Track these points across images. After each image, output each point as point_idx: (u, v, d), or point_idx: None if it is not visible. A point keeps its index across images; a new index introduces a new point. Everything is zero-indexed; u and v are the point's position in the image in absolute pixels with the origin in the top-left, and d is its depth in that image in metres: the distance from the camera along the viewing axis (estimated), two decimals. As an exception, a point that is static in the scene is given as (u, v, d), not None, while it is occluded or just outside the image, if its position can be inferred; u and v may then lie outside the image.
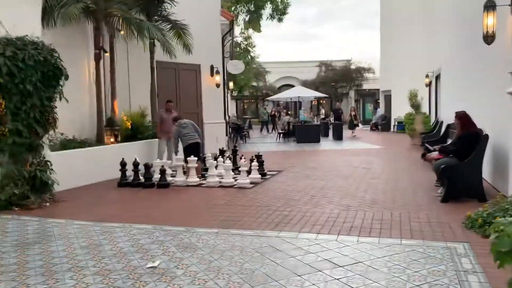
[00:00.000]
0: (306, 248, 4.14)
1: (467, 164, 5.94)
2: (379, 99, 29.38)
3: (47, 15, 8.55)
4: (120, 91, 10.46)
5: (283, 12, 31.88)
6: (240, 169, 8.02)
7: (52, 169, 6.94)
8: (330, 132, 20.77)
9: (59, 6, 8.50)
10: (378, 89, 29.28)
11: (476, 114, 6.53)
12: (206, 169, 8.72)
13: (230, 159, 8.86)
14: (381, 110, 27.42)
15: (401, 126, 21.12)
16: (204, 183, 8.03)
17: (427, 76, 18.12)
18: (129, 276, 3.54)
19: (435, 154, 6.88)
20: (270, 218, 5.39)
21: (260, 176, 8.35)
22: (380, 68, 27.88)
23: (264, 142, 19.07)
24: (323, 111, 28.48)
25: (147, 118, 11.05)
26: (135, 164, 8.03)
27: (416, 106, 16.64)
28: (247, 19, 31.23)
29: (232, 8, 28.10)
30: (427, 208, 5.73)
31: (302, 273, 3.50)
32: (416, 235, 4.51)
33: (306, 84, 31.08)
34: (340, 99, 32.77)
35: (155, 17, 11.35)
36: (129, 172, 8.16)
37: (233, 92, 28.57)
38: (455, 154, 6.16)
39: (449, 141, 9.03)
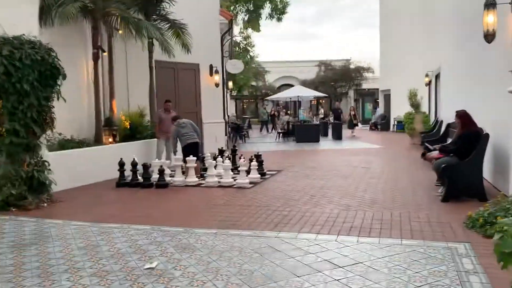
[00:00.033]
0: (306, 248, 4.10)
1: (467, 163, 5.90)
2: (378, 99, 29.35)
3: (45, 15, 8.50)
4: (119, 90, 10.42)
5: (282, 12, 31.85)
6: (239, 169, 7.97)
7: (49, 169, 6.89)
8: (330, 132, 20.73)
9: (56, 5, 8.45)
10: (378, 89, 29.25)
11: (476, 113, 6.49)
12: (205, 169, 8.68)
13: (229, 159, 8.81)
14: (380, 110, 27.38)
15: (400, 126, 21.09)
16: (203, 183, 7.98)
17: (426, 75, 18.09)
18: (127, 278, 3.50)
19: (435, 153, 6.85)
20: (269, 218, 5.34)
21: (259, 176, 8.31)
22: (380, 67, 27.85)
23: (263, 142, 19.03)
24: (322, 110, 28.43)
25: (146, 118, 11.00)
26: (134, 164, 7.98)
27: (415, 105, 16.61)
28: (246, 18, 31.20)
29: (231, 8, 28.05)
30: (427, 207, 5.69)
31: (301, 274, 3.46)
32: (417, 235, 4.47)
33: (305, 83, 31.05)
34: (340, 98, 32.76)
35: (154, 16, 11.29)
36: (128, 172, 8.12)
37: (233, 91, 28.52)
38: (456, 153, 6.13)
39: (449, 140, 8.99)
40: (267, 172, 8.94)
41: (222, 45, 15.77)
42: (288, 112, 27.76)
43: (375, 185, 7.54)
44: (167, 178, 8.07)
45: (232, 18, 17.95)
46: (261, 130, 26.65)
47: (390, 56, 24.81)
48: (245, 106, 40.37)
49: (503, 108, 6.03)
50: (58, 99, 6.95)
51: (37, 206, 6.36)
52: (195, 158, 8.21)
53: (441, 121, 13.38)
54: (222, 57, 15.67)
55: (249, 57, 30.46)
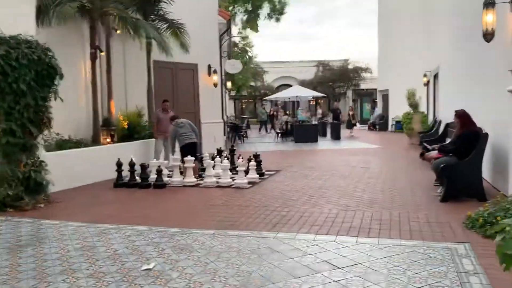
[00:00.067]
0: (304, 249, 4.07)
1: (467, 163, 5.88)
2: (376, 99, 29.35)
3: (42, 14, 8.44)
4: (117, 90, 10.37)
5: (281, 12, 31.85)
6: (237, 169, 7.93)
7: (47, 170, 6.85)
8: (328, 132, 20.71)
9: (54, 5, 8.40)
10: (376, 89, 29.24)
11: (475, 113, 6.47)
12: (204, 169, 8.63)
13: (227, 159, 8.77)
14: (378, 110, 27.38)
15: (398, 126, 21.07)
16: (201, 183, 7.95)
17: (425, 75, 18.08)
18: (123, 279, 3.46)
19: (434, 153, 6.82)
20: (268, 219, 5.31)
21: (258, 176, 8.28)
22: (378, 67, 27.83)
23: (262, 142, 18.99)
24: (320, 110, 28.40)
25: (144, 118, 10.95)
26: (131, 165, 7.94)
27: (414, 105, 16.59)
28: (244, 18, 31.17)
29: (230, 8, 28.01)
30: (427, 207, 5.67)
31: (300, 275, 3.43)
32: (416, 235, 4.44)
33: (304, 84, 31.03)
34: (338, 99, 32.76)
35: (152, 16, 11.25)
36: (126, 173, 8.08)
37: (231, 92, 28.48)
38: (455, 153, 6.10)
39: (448, 140, 8.97)
40: (266, 172, 8.91)
41: (220, 45, 15.73)
42: (287, 112, 27.74)
43: (374, 185, 7.51)
44: (165, 178, 8.04)
45: (230, 18, 17.91)
46: (260, 130, 26.64)
47: (388, 56, 24.80)
48: (243, 106, 40.34)
49: (502, 108, 6.00)
50: (55, 99, 6.91)
51: (34, 207, 6.31)
52: (193, 158, 8.17)
53: (440, 121, 13.37)
54: (221, 57, 15.64)
55: (247, 57, 30.41)
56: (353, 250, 4.02)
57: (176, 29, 11.26)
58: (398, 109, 20.97)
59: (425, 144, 10.20)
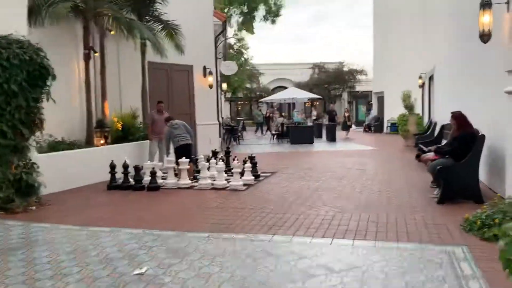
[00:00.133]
0: (300, 252, 4.00)
1: (463, 165, 5.83)
2: (371, 101, 29.39)
3: (35, 14, 8.34)
4: (111, 91, 10.27)
5: (276, 14, 31.83)
6: (233, 170, 7.85)
7: (38, 172, 6.73)
8: (324, 134, 20.68)
9: (46, 5, 8.30)
10: (371, 91, 29.28)
11: (472, 114, 6.42)
12: (198, 171, 8.55)
13: (223, 160, 8.69)
14: (374, 112, 27.43)
15: (394, 128, 21.09)
16: (196, 185, 7.86)
17: (420, 77, 18.10)
18: (114, 284, 3.37)
19: (430, 155, 6.77)
20: (263, 221, 5.24)
21: (253, 177, 8.21)
22: (373, 69, 27.87)
23: (257, 144, 18.93)
24: (314, 112, 28.38)
25: (138, 119, 10.86)
26: (125, 166, 7.84)
27: (409, 107, 16.60)
28: (240, 20, 31.12)
29: (226, 10, 27.95)
30: (423, 209, 5.61)
31: (296, 280, 3.35)
32: (413, 238, 4.38)
33: (299, 86, 31.01)
34: (333, 100, 32.76)
35: (147, 17, 11.17)
36: (119, 175, 7.97)
37: (227, 93, 28.40)
38: (451, 154, 6.06)
39: (444, 142, 8.94)
40: (261, 174, 8.83)
41: (216, 47, 15.67)
42: (283, 114, 27.72)
43: (370, 186, 7.46)
44: (159, 180, 7.94)
45: (225, 19, 17.85)
46: (256, 131, 26.63)
47: (383, 58, 24.84)
48: (239, 108, 40.28)
49: (499, 109, 5.96)
50: (47, 100, 6.82)
51: (25, 210, 6.20)
52: (187, 160, 8.08)
53: (435, 123, 13.36)
54: (216, 58, 15.56)
55: (243, 59, 30.35)
56: (349, 253, 3.96)
57: (171, 30, 11.19)
58: (393, 111, 20.98)
59: (420, 146, 10.17)
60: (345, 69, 34.26)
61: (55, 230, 5.09)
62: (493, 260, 3.64)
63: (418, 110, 17.58)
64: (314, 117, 26.03)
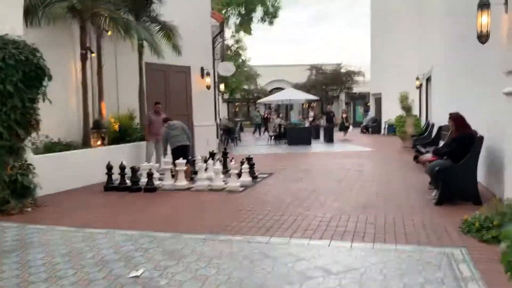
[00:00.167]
0: (298, 254, 3.96)
1: (461, 166, 5.81)
2: (369, 103, 29.41)
3: (31, 14, 8.31)
4: (108, 92, 10.22)
5: (274, 15, 31.84)
6: (230, 172, 7.81)
7: (34, 173, 6.68)
8: (322, 135, 20.67)
9: (43, 5, 8.25)
10: (369, 92, 29.30)
11: (469, 115, 6.41)
12: (196, 172, 8.51)
13: (220, 161, 8.66)
14: (371, 113, 27.45)
15: (391, 129, 21.08)
16: (193, 187, 7.82)
17: (417, 78, 18.12)
18: (110, 286, 3.33)
19: (428, 156, 6.75)
20: (260, 223, 5.20)
21: (250, 179, 8.17)
22: (371, 70, 27.89)
23: (255, 145, 18.90)
24: (311, 113, 28.38)
25: (136, 121, 10.81)
26: (122, 168, 7.79)
27: (407, 108, 16.61)
28: (238, 22, 31.11)
29: (223, 11, 27.94)
30: (421, 211, 5.59)
31: (293, 282, 3.32)
32: (411, 239, 4.35)
33: (297, 87, 30.97)
34: (331, 102, 32.77)
35: (144, 18, 11.13)
36: (116, 176, 7.92)
37: (225, 94, 28.36)
38: (450, 156, 6.04)
39: (441, 143, 8.93)
40: (259, 175, 8.80)
41: (213, 48, 15.63)
42: (280, 115, 27.70)
43: (368, 188, 7.43)
44: (156, 182, 7.90)
45: (223, 20, 17.83)
46: (254, 132, 26.66)
47: (381, 59, 24.84)
48: (237, 109, 40.26)
49: (497, 110, 5.95)
50: (43, 100, 6.76)
51: (21, 211, 6.15)
52: (185, 161, 8.04)
53: (433, 124, 13.37)
54: (214, 59, 15.53)
55: (241, 60, 30.33)
56: (347, 255, 3.93)
57: (168, 31, 11.16)
58: (390, 112, 20.99)
59: (418, 147, 10.18)
60: (343, 70, 34.27)
61: (51, 232, 5.04)
62: (492, 262, 3.63)
63: (415, 111, 17.59)
64: (311, 118, 26.02)
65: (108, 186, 7.80)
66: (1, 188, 6.15)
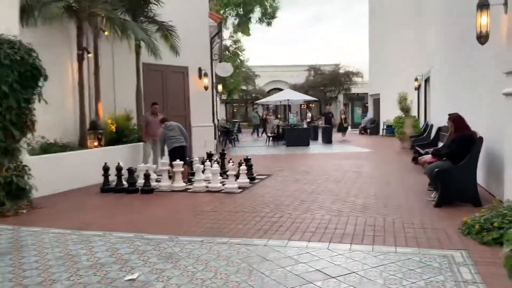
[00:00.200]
0: (296, 257, 3.91)
1: (461, 167, 5.77)
2: (367, 103, 29.40)
3: (27, 14, 8.24)
4: (105, 93, 10.15)
5: (272, 16, 31.77)
6: (228, 173, 7.75)
7: (30, 174, 6.62)
8: (320, 136, 20.64)
9: (39, 5, 8.18)
10: (367, 93, 29.30)
11: (469, 116, 6.37)
12: (193, 174, 8.45)
13: (218, 163, 8.60)
14: (369, 114, 27.46)
15: (390, 130, 21.08)
16: (190, 188, 7.76)
17: (416, 79, 18.11)
18: (105, 291, 3.27)
19: (427, 157, 6.71)
20: (258, 225, 5.14)
21: (248, 180, 8.11)
22: (369, 71, 27.89)
23: (253, 146, 18.84)
24: (309, 114, 28.37)
25: (133, 121, 10.74)
26: (118, 169, 7.73)
27: (405, 109, 16.59)
28: (236, 22, 31.05)
29: (221, 12, 27.86)
30: (421, 213, 5.54)
31: (292, 286, 3.26)
32: (411, 242, 4.30)
33: (295, 88, 30.98)
34: (329, 103, 32.76)
35: (141, 18, 11.07)
36: (113, 177, 7.86)
37: (223, 95, 28.32)
38: (449, 157, 5.99)
39: (440, 144, 8.90)
40: (257, 177, 8.75)
41: (211, 48, 15.57)
42: (278, 116, 27.68)
43: (367, 189, 7.39)
44: (153, 183, 7.83)
45: (221, 21, 17.77)
46: (252, 133, 26.64)
47: (379, 60, 24.85)
48: (235, 110, 40.22)
49: (497, 111, 5.91)
50: (39, 101, 6.71)
51: (16, 213, 6.08)
52: (182, 162, 7.98)
53: (431, 125, 13.35)
54: (211, 60, 15.47)
55: (239, 61, 30.27)
56: (346, 258, 3.87)
57: (166, 31, 11.10)
58: (389, 113, 20.98)
59: (417, 148, 10.14)
60: (341, 71, 34.28)
61: (46, 234, 4.97)
62: (492, 265, 3.58)
63: (414, 112, 17.58)
64: (308, 119, 26.00)
65: (105, 188, 7.73)
66: (-4, 190, 6.08)
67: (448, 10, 10.37)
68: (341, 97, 35.78)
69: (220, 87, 22.31)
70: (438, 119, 11.52)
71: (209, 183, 7.78)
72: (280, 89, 31.66)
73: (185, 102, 13.26)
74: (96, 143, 9.33)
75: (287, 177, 9.09)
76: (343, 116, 22.51)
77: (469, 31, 6.74)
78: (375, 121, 25.57)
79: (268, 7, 31.23)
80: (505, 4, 5.31)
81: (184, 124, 10.35)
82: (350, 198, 6.64)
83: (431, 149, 6.96)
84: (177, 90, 12.94)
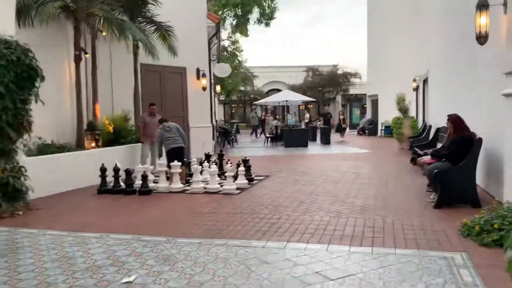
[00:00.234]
0: (295, 259, 3.86)
1: (460, 168, 5.74)
2: (365, 104, 29.40)
3: (24, 14, 8.19)
4: (102, 93, 10.10)
5: (270, 17, 31.79)
6: (226, 174, 7.71)
7: (26, 176, 6.57)
8: (318, 137, 20.62)
9: (36, 5, 8.13)
10: (365, 94, 29.32)
11: (467, 117, 6.34)
12: (191, 175, 8.40)
13: (216, 164, 8.55)
14: (368, 115, 27.47)
15: (388, 131, 21.09)
16: (188, 189, 7.71)
17: (414, 80, 18.10)
18: (101, 294, 3.22)
19: (427, 158, 6.68)
20: (257, 227, 5.10)
21: (247, 181, 8.07)
22: (367, 72, 27.91)
23: (251, 147, 18.80)
24: (307, 115, 28.37)
25: (130, 122, 10.69)
26: (116, 170, 7.68)
27: (404, 110, 16.59)
28: (234, 23, 31.04)
29: (219, 12, 27.84)
30: (420, 214, 5.51)
31: (290, 288, 3.22)
32: (411, 244, 4.27)
33: (293, 88, 31.00)
34: (328, 103, 32.77)
35: (139, 18, 11.04)
36: (110, 178, 7.80)
37: (221, 96, 28.27)
38: (448, 158, 5.96)
39: (439, 145, 8.87)
40: (255, 178, 8.71)
41: (209, 49, 15.54)
42: (277, 116, 27.65)
43: (366, 190, 7.35)
44: (151, 184, 7.78)
45: (219, 21, 17.74)
46: (251, 134, 26.64)
47: (377, 61, 24.87)
48: (233, 111, 40.19)
49: (496, 112, 5.89)
50: (36, 101, 6.65)
51: (12, 214, 6.02)
52: (180, 163, 7.93)
53: (430, 126, 13.33)
54: (210, 60, 15.44)
55: (237, 62, 30.25)
56: (346, 260, 3.83)
57: (164, 31, 11.07)
58: (387, 114, 20.98)
59: (416, 149, 10.12)
60: (339, 72, 34.30)
61: (42, 236, 4.92)
62: (493, 267, 3.55)
63: (412, 113, 17.58)
64: (306, 120, 25.97)
65: (102, 189, 7.68)
66: (-8, 191, 6.02)
67: (448, 10, 10.36)
68: (339, 98, 35.80)
69: (218, 88, 22.27)
70: (437, 119, 11.50)
71: (207, 184, 7.74)
72: (279, 90, 31.66)
73: (183, 103, 13.23)
74: (93, 144, 9.28)
75: (285, 178, 9.05)
76: (341, 117, 22.50)
77: (468, 32, 6.72)
78: (373, 122, 25.57)
79: (266, 8, 31.23)
80: (505, 4, 5.29)
81: (182, 125, 10.31)
82: (349, 199, 6.60)
83: (430, 150, 6.93)
84: (175, 90, 12.91)
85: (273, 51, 64.63)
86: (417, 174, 8.52)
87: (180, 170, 7.95)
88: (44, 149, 8.10)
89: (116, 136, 9.98)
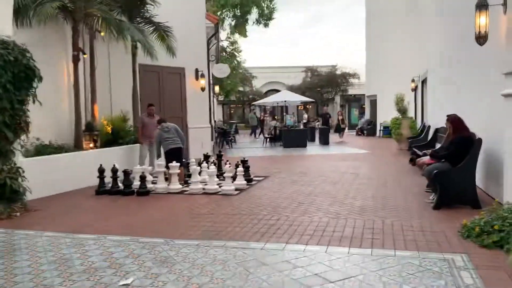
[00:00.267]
0: (294, 261, 3.83)
1: (460, 169, 5.72)
2: (364, 105, 29.39)
3: (21, 14, 8.15)
4: (101, 94, 10.07)
5: (269, 18, 31.76)
6: (224, 175, 7.67)
7: (24, 177, 6.53)
8: (317, 137, 20.60)
9: (34, 5, 8.10)
10: (364, 94, 29.31)
11: (467, 117, 6.32)
12: (190, 175, 8.37)
13: (214, 164, 8.52)
14: (366, 116, 27.45)
15: (387, 131, 21.07)
16: (187, 190, 7.68)
17: (413, 80, 18.09)
18: (98, 296, 3.19)
19: (426, 159, 6.66)
20: (255, 228, 5.07)
21: (245, 182, 8.05)
22: (366, 72, 27.91)
23: (250, 147, 18.77)
24: (305, 116, 28.35)
25: (129, 123, 10.66)
26: (114, 171, 7.64)
27: (402, 110, 16.57)
28: (233, 24, 31.01)
29: (218, 13, 27.81)
30: (419, 215, 5.48)
31: (290, 291, 3.19)
32: (411, 245, 4.24)
33: (292, 89, 30.98)
34: (326, 104, 32.77)
35: (138, 19, 11.00)
36: (108, 179, 7.77)
37: (219, 96, 28.25)
38: (448, 159, 5.94)
39: (438, 146, 8.85)
40: (254, 178, 8.68)
41: (208, 49, 15.51)
42: (275, 117, 27.62)
43: (365, 191, 7.33)
44: (149, 185, 7.75)
45: (218, 22, 17.70)
46: (251, 134, 26.65)
47: (376, 61, 24.86)
48: (232, 111, 40.16)
49: (496, 112, 5.87)
50: (33, 102, 6.62)
51: (9, 216, 5.98)
52: (178, 164, 7.90)
53: (428, 126, 13.31)
54: (208, 61, 15.41)
55: (236, 62, 30.22)
56: (345, 262, 3.80)
57: (162, 32, 11.03)
58: (386, 114, 20.96)
59: (414, 149, 10.10)
60: (338, 72, 34.31)
61: (39, 238, 4.89)
62: (494, 269, 3.52)
63: (411, 113, 17.56)
64: (305, 120, 25.96)
65: (100, 190, 7.64)
66: (-11, 192, 5.98)
67: (447, 10, 10.34)
68: (337, 98, 35.79)
69: (217, 88, 22.25)
70: (436, 120, 11.48)
71: (205, 185, 7.70)
72: (277, 90, 31.62)
73: (182, 104, 13.19)
74: (91, 145, 9.24)
75: (284, 178, 9.02)
76: (340, 117, 22.48)
77: (468, 32, 6.70)
78: (372, 122, 25.56)
79: (265, 8, 31.21)
80: (504, 4, 5.27)
81: (180, 126, 10.27)
82: (348, 200, 6.58)
83: (429, 151, 6.91)
84: (174, 91, 12.87)
85: (272, 52, 64.63)
86: (416, 174, 8.50)
87: (178, 171, 7.92)
88: (42, 149, 8.05)
89: (115, 137, 9.95)
